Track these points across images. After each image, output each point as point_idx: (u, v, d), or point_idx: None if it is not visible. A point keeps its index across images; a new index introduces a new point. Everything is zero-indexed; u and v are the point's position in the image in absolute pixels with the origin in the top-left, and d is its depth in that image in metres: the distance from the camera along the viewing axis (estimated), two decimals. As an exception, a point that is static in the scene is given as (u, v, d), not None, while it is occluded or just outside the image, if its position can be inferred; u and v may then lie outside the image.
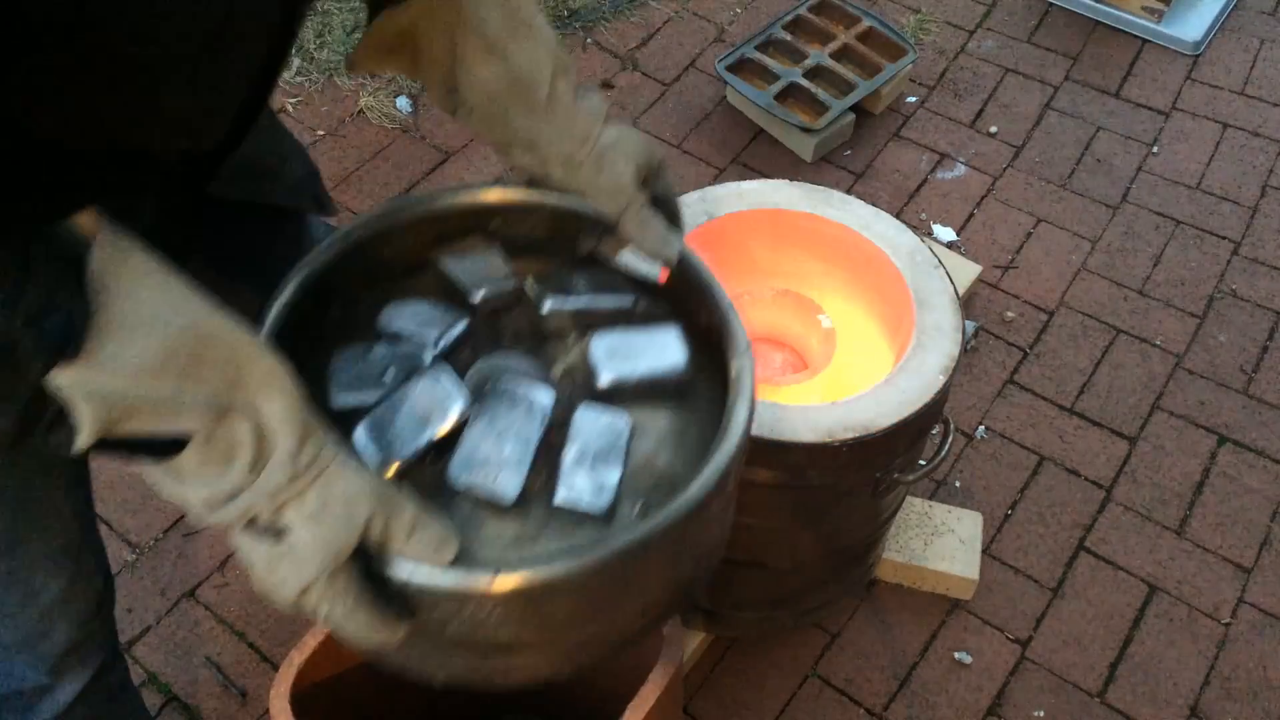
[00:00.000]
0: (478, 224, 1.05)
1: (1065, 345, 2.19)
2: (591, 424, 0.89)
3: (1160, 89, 2.67)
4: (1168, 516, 1.95)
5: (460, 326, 0.96)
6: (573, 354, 0.98)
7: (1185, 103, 2.65)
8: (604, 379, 0.93)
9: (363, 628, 0.76)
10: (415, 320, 0.96)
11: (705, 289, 0.97)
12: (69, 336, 0.62)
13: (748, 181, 1.52)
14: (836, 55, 2.52)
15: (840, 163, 2.49)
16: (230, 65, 0.74)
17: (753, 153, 2.50)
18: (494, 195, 1.03)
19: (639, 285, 1.04)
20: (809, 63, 2.50)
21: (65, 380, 0.63)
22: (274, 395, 0.70)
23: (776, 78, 2.47)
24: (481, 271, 1.00)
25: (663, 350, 0.95)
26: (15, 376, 0.62)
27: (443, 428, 0.86)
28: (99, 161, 0.70)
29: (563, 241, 1.05)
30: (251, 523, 0.71)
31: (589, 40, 2.73)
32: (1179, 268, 2.32)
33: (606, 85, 2.63)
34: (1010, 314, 2.23)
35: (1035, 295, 2.27)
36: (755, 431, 1.26)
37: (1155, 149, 2.54)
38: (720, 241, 1.51)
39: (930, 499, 1.92)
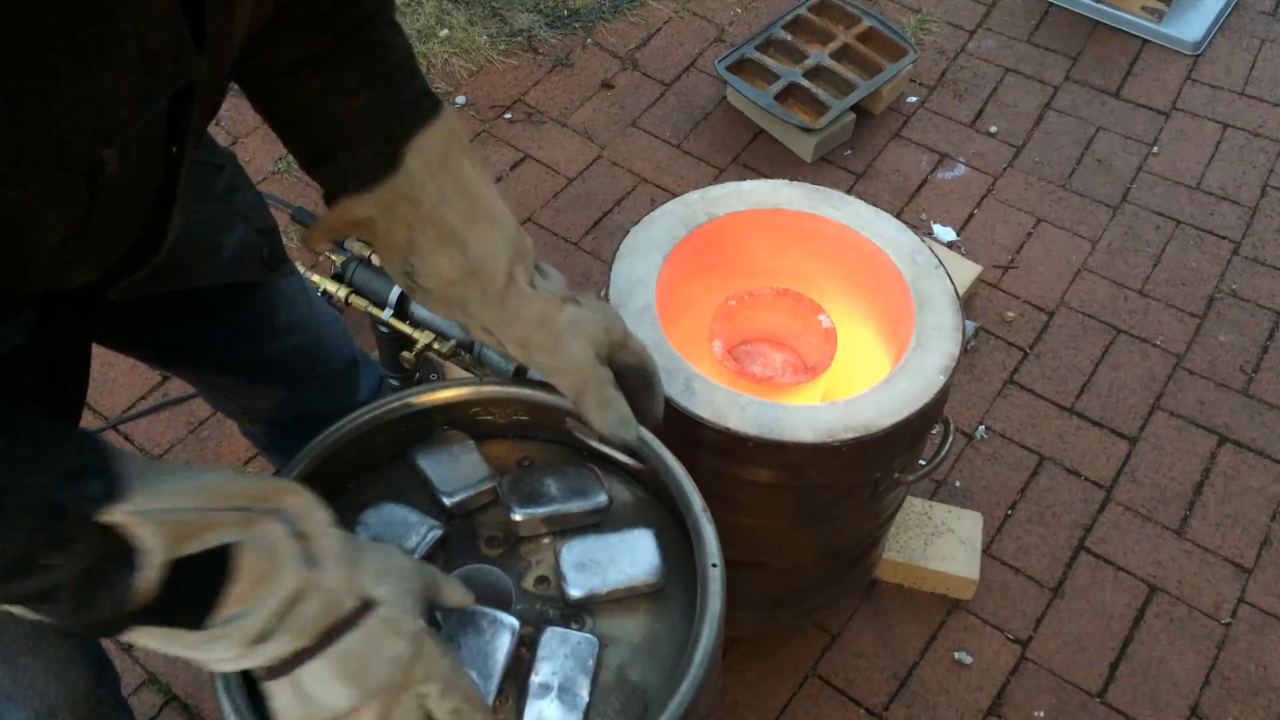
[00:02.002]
0: (456, 415, 1.09)
1: (1065, 345, 2.19)
2: (559, 646, 0.91)
3: (1160, 89, 2.67)
4: (1168, 516, 1.95)
5: (434, 536, 1.00)
6: (545, 560, 1.00)
7: (1185, 103, 2.65)
8: (574, 593, 0.95)
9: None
10: (392, 529, 1.00)
11: (679, 492, 0.99)
12: (111, 489, 0.64)
13: (748, 181, 1.52)
14: (837, 55, 2.52)
15: (840, 163, 2.49)
16: (102, 239, 0.73)
17: (753, 153, 2.50)
18: (467, 391, 1.07)
19: (618, 467, 1.07)
20: (809, 63, 2.50)
21: (125, 509, 0.64)
22: (295, 494, 0.75)
23: (776, 78, 2.47)
24: (456, 472, 1.04)
25: (634, 558, 0.98)
26: (69, 526, 0.63)
27: None
28: None
29: (540, 425, 1.09)
30: (300, 657, 0.73)
31: (589, 40, 2.73)
32: (1179, 268, 2.32)
33: (606, 85, 2.63)
34: (1010, 314, 2.23)
35: (1035, 295, 2.27)
36: (756, 431, 1.27)
37: (1155, 149, 2.54)
38: (720, 241, 1.51)
39: (930, 499, 1.92)
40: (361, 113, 0.87)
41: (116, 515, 0.64)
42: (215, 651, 0.71)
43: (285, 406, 1.26)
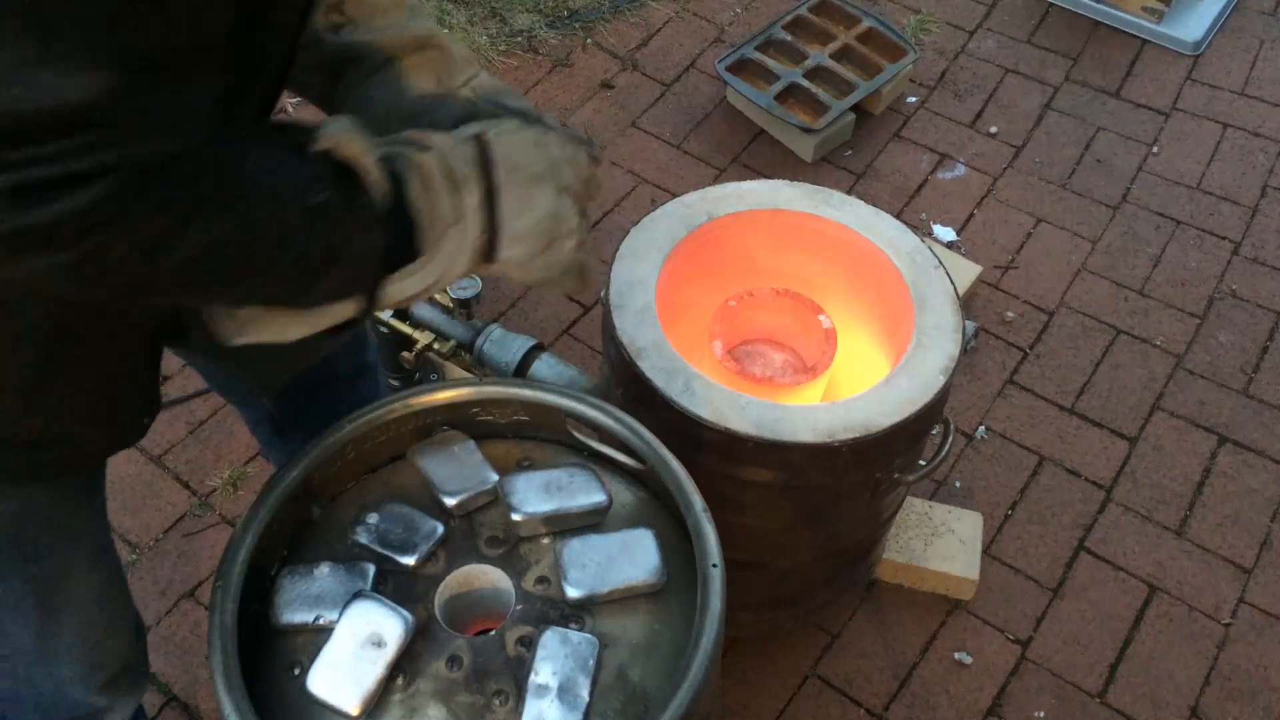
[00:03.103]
0: (456, 416, 1.09)
1: (1065, 345, 2.19)
2: (559, 646, 0.92)
3: (1160, 89, 2.67)
4: (1168, 516, 1.95)
5: (435, 537, 1.01)
6: (545, 560, 1.00)
7: (1185, 103, 2.65)
8: (574, 593, 0.96)
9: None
10: (393, 529, 1.01)
11: (679, 492, 1.00)
12: (317, 132, 0.77)
13: (748, 182, 1.52)
14: (837, 55, 2.52)
15: (840, 163, 2.49)
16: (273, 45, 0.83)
17: (753, 153, 2.50)
18: (467, 392, 1.08)
19: (618, 467, 1.07)
20: (809, 63, 2.50)
21: (333, 130, 0.77)
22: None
23: (777, 78, 2.47)
24: (456, 473, 1.04)
25: (634, 558, 0.98)
26: (314, 160, 0.76)
27: (394, 650, 0.90)
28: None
29: (540, 425, 1.10)
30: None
31: (589, 40, 2.73)
32: (1179, 268, 2.32)
33: (606, 85, 2.63)
34: (1010, 314, 2.23)
35: (1035, 295, 2.27)
36: (756, 432, 1.27)
37: (1155, 149, 2.54)
38: (720, 242, 1.51)
39: (930, 499, 1.92)
40: None
41: (333, 139, 0.76)
42: (456, 247, 0.82)
43: (304, 364, 1.27)
